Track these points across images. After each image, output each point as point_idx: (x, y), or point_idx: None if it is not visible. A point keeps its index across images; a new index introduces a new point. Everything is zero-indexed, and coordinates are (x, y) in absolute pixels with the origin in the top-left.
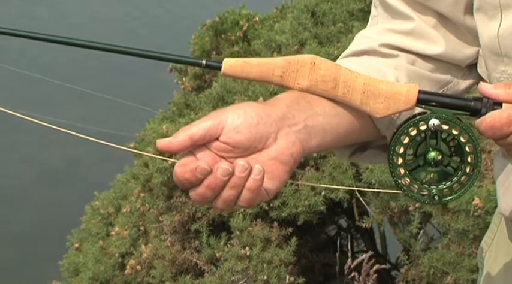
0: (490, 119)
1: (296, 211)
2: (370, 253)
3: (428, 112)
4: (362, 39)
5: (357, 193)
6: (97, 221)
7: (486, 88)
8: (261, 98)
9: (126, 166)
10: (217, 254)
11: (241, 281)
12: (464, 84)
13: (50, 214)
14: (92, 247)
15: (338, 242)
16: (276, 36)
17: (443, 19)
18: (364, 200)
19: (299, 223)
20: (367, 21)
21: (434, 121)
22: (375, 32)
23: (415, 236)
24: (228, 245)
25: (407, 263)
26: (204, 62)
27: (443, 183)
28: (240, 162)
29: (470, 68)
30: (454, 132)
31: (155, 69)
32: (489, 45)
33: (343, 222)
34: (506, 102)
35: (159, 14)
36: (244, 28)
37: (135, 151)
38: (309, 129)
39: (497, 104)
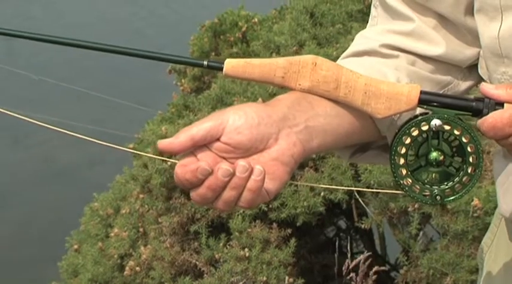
0: (491, 119)
1: (295, 212)
2: (367, 253)
3: (430, 112)
4: (363, 40)
5: (356, 194)
6: (96, 222)
7: (488, 89)
8: (260, 99)
9: (125, 167)
10: (216, 256)
11: (241, 282)
12: (464, 85)
13: (49, 215)
14: (91, 248)
15: (337, 243)
16: (274, 37)
17: (444, 20)
18: (363, 201)
19: (298, 224)
20: (366, 22)
21: (436, 122)
22: (375, 32)
23: (414, 237)
24: (227, 246)
25: (407, 264)
26: (206, 62)
27: (445, 183)
28: (241, 163)
29: (471, 68)
30: (456, 132)
31: (154, 70)
32: (490, 47)
33: (342, 223)
34: (508, 102)
35: (161, 15)
36: (243, 29)
37: (135, 151)
38: (310, 129)
39: (499, 104)
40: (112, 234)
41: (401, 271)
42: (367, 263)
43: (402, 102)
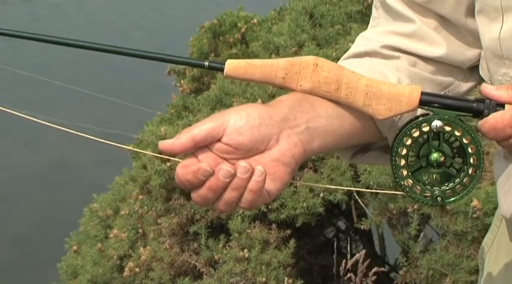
0: (492, 120)
1: (294, 213)
2: (363, 251)
3: (431, 113)
4: (363, 41)
5: (355, 194)
6: (95, 223)
7: (489, 90)
8: (259, 100)
9: (125, 168)
10: (215, 257)
11: (240, 283)
12: (465, 86)
13: (49, 216)
14: (90, 249)
15: (336, 244)
16: (274, 38)
17: (445, 21)
18: (362, 202)
19: (297, 225)
20: (366, 23)
21: (436, 123)
22: (376, 33)
23: (414, 238)
24: (227, 247)
25: (406, 265)
26: (207, 63)
27: (446, 184)
28: (242, 164)
29: (472, 70)
30: (457, 133)
31: (153, 71)
32: (491, 48)
33: (341, 224)
34: (509, 103)
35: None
36: (243, 30)
37: (137, 150)
38: (311, 130)
39: (500, 106)
40: (111, 235)
41: (401, 272)
42: (365, 263)
43: (403, 103)
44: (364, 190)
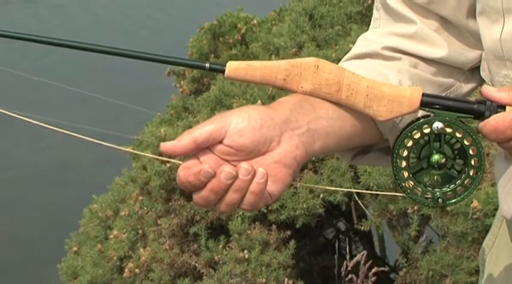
0: (493, 122)
1: (294, 214)
2: (364, 252)
3: (432, 115)
4: (365, 42)
5: (355, 196)
6: (95, 224)
7: (490, 92)
8: (259, 101)
9: (124, 169)
10: (215, 257)
11: None
12: (466, 87)
13: (49, 217)
14: (90, 250)
15: (337, 245)
16: (274, 39)
17: (446, 22)
18: (362, 203)
19: (297, 226)
20: (365, 24)
21: (437, 124)
22: (377, 34)
23: (414, 239)
24: (227, 248)
25: (406, 266)
26: (208, 65)
27: (447, 185)
28: (244, 166)
29: (473, 71)
30: (458, 135)
31: (153, 72)
32: (492, 49)
33: (341, 225)
34: (510, 105)
35: (160, 17)
36: (242, 31)
37: (136, 152)
38: (312, 132)
39: (501, 107)
40: (111, 236)
41: (401, 273)
42: (367, 264)
43: (404, 105)
44: (363, 191)
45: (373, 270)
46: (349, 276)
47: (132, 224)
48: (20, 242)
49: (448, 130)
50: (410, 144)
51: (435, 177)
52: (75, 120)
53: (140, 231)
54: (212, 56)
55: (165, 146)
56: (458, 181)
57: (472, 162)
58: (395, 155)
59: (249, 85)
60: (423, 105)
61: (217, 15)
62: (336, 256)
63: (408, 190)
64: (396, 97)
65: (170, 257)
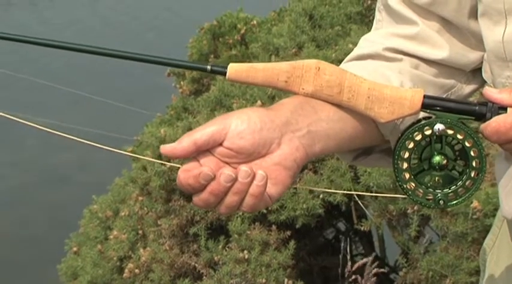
0: (495, 124)
1: (294, 214)
2: (373, 254)
3: (433, 116)
4: (367, 43)
5: (355, 196)
6: (95, 225)
7: (491, 93)
8: (259, 101)
9: (124, 169)
10: (215, 258)
11: None
12: (468, 88)
13: (49, 217)
14: (90, 250)
15: (342, 245)
16: (273, 39)
17: (447, 24)
18: (362, 203)
19: (297, 226)
20: (365, 25)
21: (439, 126)
22: (379, 36)
23: (414, 239)
24: (227, 248)
25: (406, 266)
26: (209, 67)
27: (448, 187)
28: (243, 168)
29: (474, 72)
30: (459, 136)
31: (153, 73)
32: (494, 50)
33: (341, 225)
34: (511, 106)
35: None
36: (242, 31)
37: (134, 155)
38: (313, 134)
39: (502, 109)
40: (111, 236)
41: (401, 273)
42: (373, 266)
43: (405, 107)
44: (363, 193)
45: (373, 271)
46: (353, 277)
47: (132, 224)
48: (20, 242)
49: (450, 132)
50: (411, 145)
51: (436, 179)
52: (75, 121)
53: (140, 232)
54: (212, 56)
55: (165, 148)
56: (460, 183)
57: (474, 164)
58: (396, 157)
59: (249, 86)
60: (424, 106)
61: (216, 16)
62: (341, 256)
63: (410, 192)
64: (397, 99)
65: (170, 257)
